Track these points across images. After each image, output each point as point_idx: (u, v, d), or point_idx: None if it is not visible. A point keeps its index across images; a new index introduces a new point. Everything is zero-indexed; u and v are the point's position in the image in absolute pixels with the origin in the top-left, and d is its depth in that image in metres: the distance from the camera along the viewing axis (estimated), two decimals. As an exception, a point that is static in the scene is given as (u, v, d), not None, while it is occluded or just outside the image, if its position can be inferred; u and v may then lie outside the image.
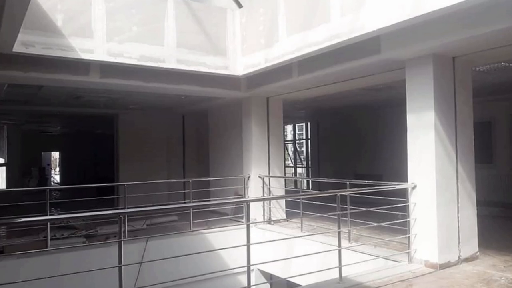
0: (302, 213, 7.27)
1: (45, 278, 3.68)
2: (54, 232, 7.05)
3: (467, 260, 5.32)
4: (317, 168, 15.73)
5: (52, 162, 27.81)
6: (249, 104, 8.75)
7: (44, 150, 23.27)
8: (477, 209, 5.54)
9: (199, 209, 8.10)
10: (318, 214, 6.88)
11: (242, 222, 7.91)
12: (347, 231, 6.12)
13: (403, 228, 5.49)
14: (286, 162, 18.91)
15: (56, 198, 13.63)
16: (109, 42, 5.87)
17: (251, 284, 5.09)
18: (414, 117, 5.33)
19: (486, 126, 9.84)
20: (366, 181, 6.32)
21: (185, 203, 9.77)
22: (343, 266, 4.63)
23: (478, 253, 5.49)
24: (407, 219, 5.37)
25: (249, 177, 8.67)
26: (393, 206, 5.55)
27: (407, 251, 5.34)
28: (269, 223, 8.39)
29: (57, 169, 27.87)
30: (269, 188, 8.60)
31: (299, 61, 6.30)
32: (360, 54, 5.61)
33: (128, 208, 6.71)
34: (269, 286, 8.06)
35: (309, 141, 17.08)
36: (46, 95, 8.84)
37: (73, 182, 18.57)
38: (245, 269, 4.17)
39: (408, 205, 5.37)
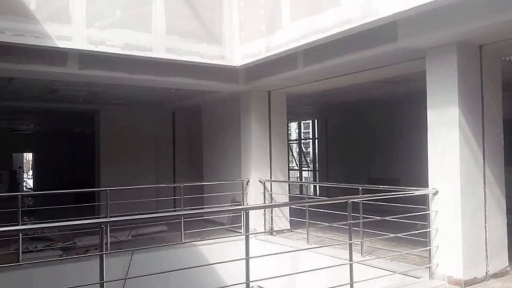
0: (309, 222, 7.26)
1: (17, 296, 3.68)
2: (27, 244, 7.04)
3: (495, 275, 5.31)
4: (326, 171, 15.72)
5: (24, 165, 27.81)
6: (248, 99, 8.75)
7: (16, 151, 23.25)
8: (507, 218, 5.54)
9: (191, 218, 8.09)
10: (327, 224, 6.88)
11: (240, 232, 7.90)
12: (359, 243, 6.12)
13: (423, 240, 5.49)
14: (291, 165, 18.90)
15: (29, 206, 13.63)
16: (89, 28, 5.86)
17: (251, 303, 5.08)
18: (435, 113, 5.33)
19: (518, 123, 9.84)
20: (381, 186, 6.33)
21: (175, 211, 9.77)
22: (355, 282, 4.62)
23: (508, 267, 5.48)
24: (428, 230, 5.37)
25: (248, 181, 8.67)
26: (411, 214, 5.55)
27: (428, 265, 5.34)
28: (271, 233, 8.39)
29: (30, 172, 27.86)
30: (271, 194, 8.60)
31: (305, 49, 6.29)
32: (374, 42, 5.61)
33: (110, 217, 6.70)
34: (271, 305, 8.06)
35: (316, 140, 17.08)
36: (17, 88, 8.83)
37: (48, 187, 18.55)
38: (244, 286, 4.17)
39: (428, 213, 5.37)
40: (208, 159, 10.79)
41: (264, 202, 8.48)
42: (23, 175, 25.75)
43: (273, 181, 8.70)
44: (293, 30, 5.89)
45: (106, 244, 6.50)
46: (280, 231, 8.41)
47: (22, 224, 6.42)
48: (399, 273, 5.48)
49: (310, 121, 18.00)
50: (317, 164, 17.18)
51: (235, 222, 8.67)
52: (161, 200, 9.83)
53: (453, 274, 5.10)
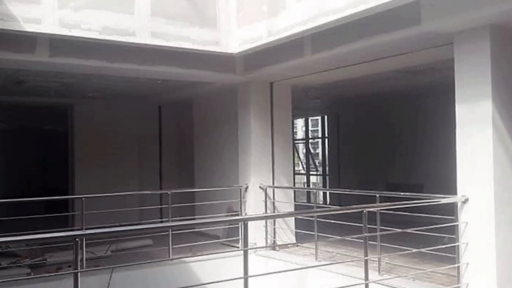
0: (317, 235, 7.26)
1: (-23, 321, 3.68)
2: (-11, 261, 7.04)
3: (535, 297, 5.32)
4: (337, 176, 15.72)
5: (-14, 168, 27.82)
6: (247, 92, 8.75)
7: (-24, 152, 23.25)
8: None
9: (180, 230, 8.10)
10: (338, 237, 6.88)
11: (238, 247, 7.90)
12: (376, 259, 6.12)
13: (450, 256, 5.49)
14: (296, 168, 18.93)
15: (-9, 216, 13.60)
16: (61, 9, 5.86)
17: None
18: (465, 108, 5.33)
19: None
20: (402, 194, 6.32)
21: (162, 222, 9.76)
22: (372, 305, 4.63)
23: (550, 288, 5.49)
24: (456, 244, 5.37)
25: (246, 188, 8.67)
26: (437, 226, 5.55)
27: (457, 285, 5.35)
28: (274, 248, 8.39)
29: (-7, 177, 27.85)
30: (274, 203, 8.60)
31: (313, 34, 6.30)
32: (394, 25, 5.60)
33: (86, 229, 6.70)
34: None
35: (326, 140, 17.08)
36: (-22, 79, 8.84)
37: (13, 194, 18.53)
38: (242, 309, 4.17)
39: (457, 225, 5.38)
40: (200, 161, 10.79)
41: (266, 212, 8.47)
42: (-16, 180, 25.76)
43: (276, 187, 8.70)
44: (299, 11, 5.89)
45: (82, 260, 6.50)
46: (284, 246, 8.40)
47: (-17, 238, 6.40)
48: (423, 295, 5.48)
49: (319, 118, 18.00)
50: (327, 168, 17.18)
51: (232, 235, 8.67)
52: (146, 210, 9.83)
53: (486, 295, 5.11)
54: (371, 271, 5.14)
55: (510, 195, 5.22)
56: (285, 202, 8.67)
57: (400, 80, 9.62)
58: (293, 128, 14.68)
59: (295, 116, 16.36)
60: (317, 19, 5.64)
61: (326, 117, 16.93)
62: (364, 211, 4.91)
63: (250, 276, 4.17)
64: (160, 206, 9.99)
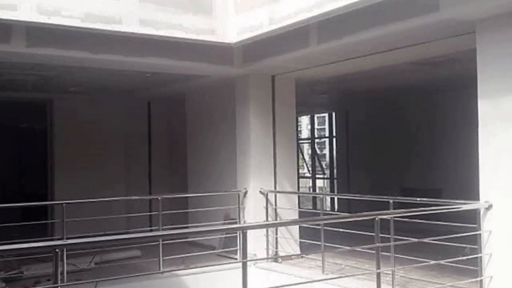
0: (324, 245, 7.27)
1: None
2: (-41, 274, 7.04)
3: None
4: (346, 179, 15.72)
5: (-44, 171, 27.82)
6: (246, 86, 8.76)
7: None
8: None
9: (172, 239, 8.10)
10: (348, 248, 6.87)
11: (236, 259, 7.90)
12: (390, 272, 6.11)
13: (472, 268, 5.49)
14: (301, 171, 18.93)
15: (-39, 224, 13.61)
16: (40, -6, 5.88)
17: None
18: (488, 104, 5.33)
19: None
20: (418, 199, 6.33)
21: (151, 231, 9.77)
22: (385, 323, 4.63)
23: None
24: (479, 255, 5.37)
25: (245, 192, 8.68)
26: (457, 235, 5.55)
27: (479, 301, 5.35)
28: (276, 260, 8.40)
29: (-36, 181, 27.85)
30: (276, 209, 8.60)
31: (319, 22, 6.30)
32: (409, 12, 5.61)
33: (67, 238, 6.70)
34: None
35: (334, 140, 17.09)
36: None
37: (-14, 200, 18.54)
38: (240, 328, 4.18)
39: (479, 234, 5.38)
40: (194, 163, 10.80)
41: (267, 220, 8.48)
42: (-46, 184, 25.75)
43: (278, 192, 8.71)
44: (304, -4, 5.89)
45: (62, 273, 6.50)
46: (288, 257, 8.41)
47: (-47, 248, 6.40)
48: (442, 312, 5.49)
49: (326, 115, 17.99)
50: (335, 171, 17.19)
51: (229, 245, 8.68)
52: (133, 217, 9.83)
53: (512, 312, 5.12)
54: (384, 285, 5.15)
55: (539, 201, 5.23)
56: (288, 209, 8.68)
57: (416, 73, 9.63)
58: (297, 126, 14.68)
59: (300, 113, 16.37)
60: (324, 5, 5.64)
61: (334, 114, 16.94)
62: (376, 219, 4.91)
63: (250, 291, 4.18)
64: (149, 213, 10.01)
